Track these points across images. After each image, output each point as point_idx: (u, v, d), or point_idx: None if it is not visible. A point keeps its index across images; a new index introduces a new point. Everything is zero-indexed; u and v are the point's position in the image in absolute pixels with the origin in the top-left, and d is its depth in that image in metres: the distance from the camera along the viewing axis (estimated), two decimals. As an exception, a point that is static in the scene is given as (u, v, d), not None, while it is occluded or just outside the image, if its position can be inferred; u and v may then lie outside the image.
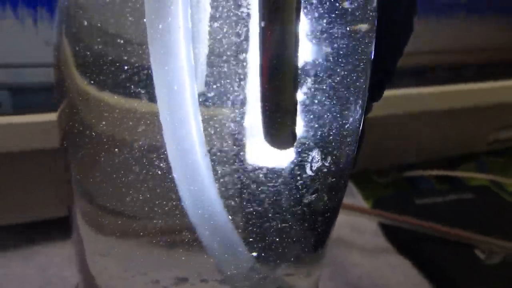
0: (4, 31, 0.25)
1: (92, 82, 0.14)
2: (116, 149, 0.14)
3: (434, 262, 0.32)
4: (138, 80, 0.13)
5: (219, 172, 0.14)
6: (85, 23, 0.14)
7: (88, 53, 0.14)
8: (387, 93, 0.35)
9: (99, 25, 0.14)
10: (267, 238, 0.15)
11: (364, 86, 0.14)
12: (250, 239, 0.15)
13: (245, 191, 0.15)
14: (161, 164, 0.14)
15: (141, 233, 0.15)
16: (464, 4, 0.38)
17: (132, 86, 0.13)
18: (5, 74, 0.26)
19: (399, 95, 0.37)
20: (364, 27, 0.13)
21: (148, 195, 0.15)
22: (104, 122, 0.14)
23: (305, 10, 0.13)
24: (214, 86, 0.14)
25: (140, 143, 0.14)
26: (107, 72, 0.14)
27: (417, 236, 0.33)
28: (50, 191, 0.27)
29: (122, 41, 0.13)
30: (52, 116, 0.25)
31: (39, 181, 0.28)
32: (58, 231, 0.30)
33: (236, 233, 0.15)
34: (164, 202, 0.15)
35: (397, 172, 0.41)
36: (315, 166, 0.14)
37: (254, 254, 0.15)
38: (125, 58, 0.13)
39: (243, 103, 0.14)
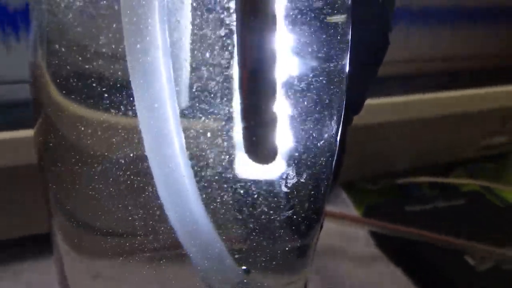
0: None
1: (66, 98, 0.14)
2: (92, 165, 0.14)
3: (426, 269, 0.32)
4: (114, 95, 0.13)
5: (204, 187, 0.14)
6: (59, 40, 0.14)
7: (63, 69, 0.14)
8: (377, 101, 0.36)
9: (76, 40, 0.14)
10: (251, 250, 0.15)
11: (339, 102, 0.14)
12: (237, 253, 0.15)
13: (229, 204, 0.15)
14: (142, 179, 0.14)
15: (123, 250, 0.15)
16: (453, 11, 0.39)
17: (111, 101, 0.13)
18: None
19: (390, 102, 0.37)
20: (338, 42, 0.13)
21: (128, 211, 0.15)
22: (79, 138, 0.14)
23: (283, 24, 0.13)
24: (197, 102, 0.14)
25: (117, 158, 0.14)
26: (82, 88, 0.14)
27: (408, 243, 0.33)
28: (39, 207, 0.27)
29: (97, 57, 0.14)
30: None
31: (28, 197, 0.28)
32: (48, 247, 0.30)
33: (224, 247, 0.15)
34: (146, 218, 0.15)
35: (388, 179, 0.42)
36: (291, 183, 0.14)
37: (243, 267, 0.15)
38: (104, 72, 0.13)
39: (225, 118, 0.14)
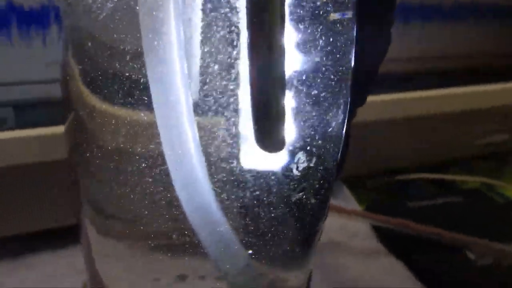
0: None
1: (96, 95, 0.15)
2: (120, 159, 0.15)
3: (426, 264, 0.33)
4: (140, 92, 0.14)
5: (215, 175, 0.15)
6: (88, 40, 0.15)
7: (93, 68, 0.15)
8: (378, 98, 0.37)
9: (103, 40, 0.15)
10: (259, 236, 0.16)
11: (345, 91, 0.15)
12: (245, 238, 0.16)
13: (239, 192, 0.16)
14: (163, 171, 0.15)
15: (144, 236, 0.16)
16: (451, 11, 0.39)
17: (136, 98, 0.14)
18: (9, 92, 0.27)
19: (390, 100, 0.38)
20: (344, 33, 0.14)
21: (150, 201, 0.16)
22: (109, 133, 0.15)
23: (289, 19, 0.14)
24: (209, 96, 0.15)
25: (141, 152, 0.15)
26: (110, 85, 0.15)
27: (409, 238, 0.34)
28: (52, 202, 0.28)
29: (124, 56, 0.14)
30: (54, 130, 0.26)
31: (41, 193, 0.29)
32: (62, 240, 0.31)
33: (232, 233, 0.16)
34: (165, 207, 0.16)
35: (389, 176, 0.42)
36: (301, 167, 0.15)
37: (249, 251, 0.16)
38: (129, 71, 0.14)
39: (235, 110, 0.15)
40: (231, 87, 0.15)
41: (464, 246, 0.33)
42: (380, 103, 0.37)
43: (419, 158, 0.43)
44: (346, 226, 0.35)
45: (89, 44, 0.15)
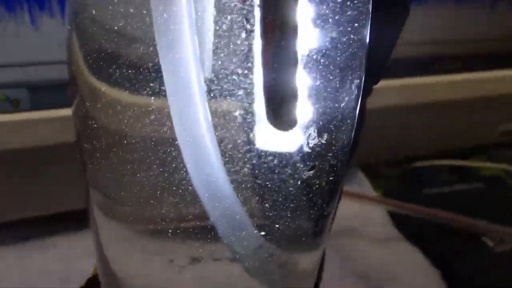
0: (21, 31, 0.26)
1: (101, 78, 0.15)
2: (127, 142, 0.15)
3: (443, 251, 0.33)
4: (148, 75, 0.14)
5: (228, 156, 0.15)
6: (93, 21, 0.15)
7: (97, 50, 0.15)
8: (396, 83, 0.36)
9: (106, 22, 0.15)
10: (271, 217, 0.16)
11: (358, 68, 0.14)
12: (257, 219, 0.16)
13: (251, 172, 0.15)
14: (173, 154, 0.15)
15: (156, 219, 0.16)
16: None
17: (141, 81, 0.14)
18: (24, 73, 0.27)
19: (409, 85, 0.37)
20: (358, 8, 0.14)
21: (162, 183, 0.15)
22: (114, 117, 0.15)
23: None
24: (221, 74, 0.14)
25: (151, 135, 0.15)
26: (116, 68, 0.14)
27: (426, 224, 0.34)
28: (68, 185, 0.28)
29: (130, 38, 0.14)
30: (69, 111, 0.26)
31: (57, 175, 0.29)
32: (77, 223, 0.31)
33: (245, 214, 0.15)
34: (177, 189, 0.16)
35: (407, 163, 0.42)
36: (312, 143, 0.15)
37: (262, 233, 0.16)
38: (133, 54, 0.14)
39: (248, 89, 0.15)
40: (245, 65, 0.14)
41: (481, 232, 0.33)
42: (399, 88, 0.37)
43: (437, 145, 0.42)
44: (362, 212, 0.35)
45: (93, 24, 0.15)
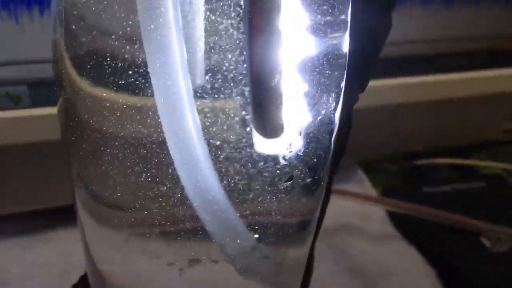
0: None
1: (86, 77, 0.15)
2: (112, 143, 0.15)
3: (440, 250, 0.33)
4: (132, 75, 0.14)
5: (217, 160, 0.15)
6: (78, 19, 0.15)
7: (82, 48, 0.15)
8: (397, 81, 0.36)
9: (91, 21, 0.15)
10: (262, 219, 0.16)
11: (338, 79, 0.14)
12: (249, 221, 0.16)
13: (239, 175, 0.16)
14: (159, 155, 0.15)
15: (140, 220, 0.16)
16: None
17: (125, 81, 0.14)
18: (24, 70, 0.27)
19: (409, 83, 0.37)
20: (337, 17, 0.14)
21: (146, 184, 0.16)
22: (98, 116, 0.15)
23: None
24: (209, 80, 0.15)
25: (136, 135, 0.15)
26: (100, 67, 0.14)
27: (424, 223, 0.34)
28: (68, 179, 0.28)
29: (115, 37, 0.14)
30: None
31: (57, 170, 0.30)
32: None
33: (237, 216, 0.16)
34: (166, 191, 0.16)
35: (407, 160, 0.42)
36: (294, 149, 0.15)
37: (256, 235, 0.16)
38: (118, 53, 0.14)
39: (236, 96, 0.15)
40: (233, 71, 0.15)
41: (479, 232, 0.33)
42: (399, 86, 0.37)
43: (438, 143, 0.42)
44: (360, 210, 0.35)
45: (78, 22, 0.15)
